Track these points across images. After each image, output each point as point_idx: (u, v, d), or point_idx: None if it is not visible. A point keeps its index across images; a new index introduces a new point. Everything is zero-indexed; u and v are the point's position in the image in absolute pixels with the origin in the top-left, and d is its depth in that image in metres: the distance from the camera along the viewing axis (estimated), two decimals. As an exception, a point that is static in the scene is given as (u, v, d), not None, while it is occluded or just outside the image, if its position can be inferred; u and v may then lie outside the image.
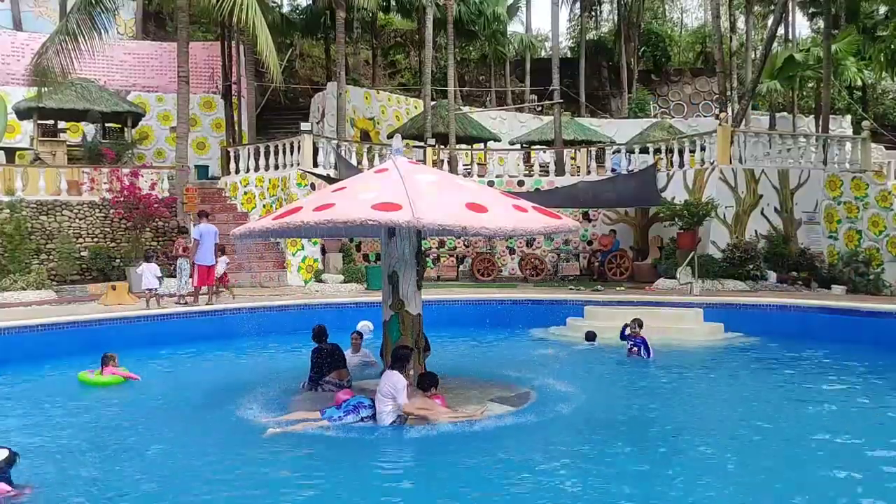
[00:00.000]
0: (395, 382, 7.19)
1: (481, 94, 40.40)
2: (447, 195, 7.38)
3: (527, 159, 23.83)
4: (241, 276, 18.38)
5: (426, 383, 7.60)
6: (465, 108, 32.33)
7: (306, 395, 8.62)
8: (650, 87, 41.37)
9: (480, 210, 7.12)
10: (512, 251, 21.71)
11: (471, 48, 41.16)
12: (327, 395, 8.37)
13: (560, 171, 22.66)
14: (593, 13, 46.19)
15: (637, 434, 7.18)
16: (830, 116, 26.42)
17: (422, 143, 24.21)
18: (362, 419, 7.31)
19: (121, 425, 7.72)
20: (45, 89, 18.75)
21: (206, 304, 14.29)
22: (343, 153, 20.19)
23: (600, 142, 26.83)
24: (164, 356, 11.79)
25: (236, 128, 27.35)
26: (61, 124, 24.20)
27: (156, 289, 14.02)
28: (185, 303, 14.45)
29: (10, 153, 22.51)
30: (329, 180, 17.47)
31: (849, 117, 36.08)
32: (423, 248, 8.59)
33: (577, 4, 42.88)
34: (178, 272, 14.91)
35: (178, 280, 14.96)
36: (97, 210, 18.29)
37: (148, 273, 13.96)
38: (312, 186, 18.80)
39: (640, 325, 10.97)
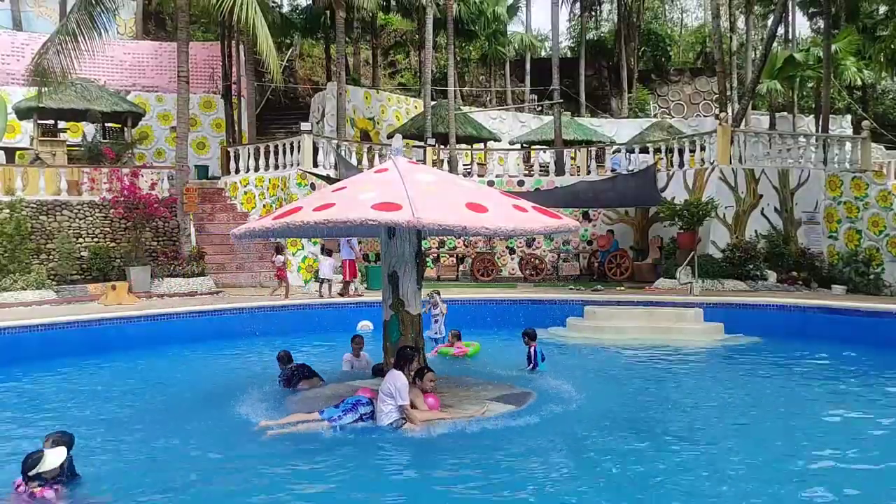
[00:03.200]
0: (394, 381, 7.18)
1: (481, 94, 40.43)
2: (447, 195, 7.38)
3: (527, 159, 23.83)
4: (242, 276, 18.40)
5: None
6: (465, 108, 32.33)
7: (306, 395, 8.61)
8: (650, 87, 41.39)
9: (480, 210, 7.12)
10: (512, 251, 21.70)
11: (471, 48, 41.18)
12: (327, 395, 8.37)
13: (560, 171, 22.66)
14: (593, 13, 46.22)
15: (637, 434, 7.17)
16: (830, 116, 26.45)
17: (422, 143, 24.21)
18: (361, 417, 7.30)
19: (119, 424, 7.71)
20: (45, 89, 18.69)
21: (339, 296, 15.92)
22: (343, 153, 20.19)
23: (600, 142, 26.84)
24: (164, 356, 11.79)
25: (236, 128, 27.35)
26: (61, 124, 24.18)
27: (331, 280, 15.92)
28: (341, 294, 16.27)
29: (10, 153, 22.50)
30: (329, 180, 17.46)
31: (849, 117, 36.09)
32: (423, 248, 8.58)
33: (577, 4, 42.92)
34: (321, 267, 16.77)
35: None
36: (97, 210, 18.28)
37: (325, 265, 15.98)
38: (312, 186, 18.80)
39: (533, 337, 10.45)
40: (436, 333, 12.29)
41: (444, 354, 11.41)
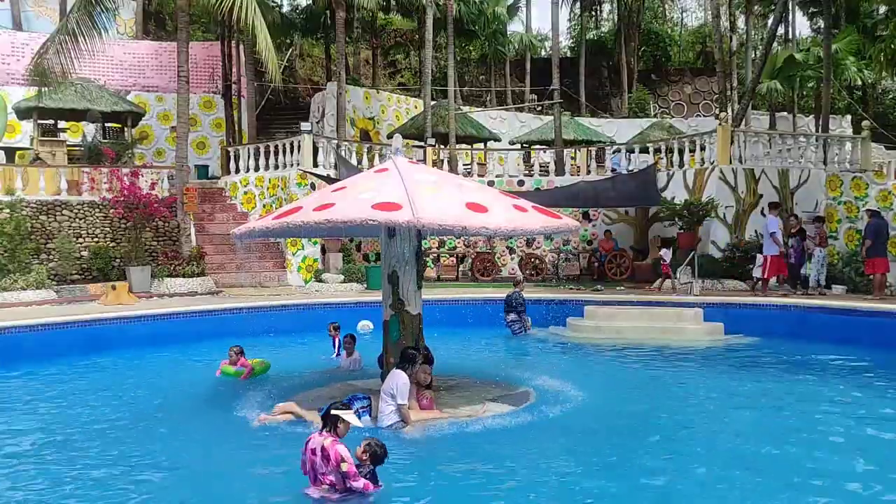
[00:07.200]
0: (396, 380, 7.17)
1: (481, 94, 40.41)
2: (447, 195, 7.39)
3: (527, 159, 23.81)
4: (242, 276, 18.40)
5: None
6: (465, 108, 32.32)
7: (305, 396, 8.60)
8: (650, 86, 41.35)
9: (480, 210, 7.12)
10: (512, 251, 21.70)
11: (471, 48, 41.16)
12: (327, 395, 8.37)
13: (560, 171, 22.66)
14: (593, 13, 46.19)
15: (636, 433, 7.17)
16: (830, 116, 26.42)
17: (422, 143, 24.20)
18: (358, 410, 7.27)
19: (120, 424, 7.71)
20: (45, 89, 18.71)
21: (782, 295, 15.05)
22: (343, 153, 20.19)
23: (600, 142, 26.83)
24: (164, 356, 11.80)
25: (236, 128, 27.35)
26: (61, 124, 24.19)
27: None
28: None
29: (10, 153, 22.50)
30: (329, 180, 17.46)
31: (849, 117, 36.07)
32: (423, 248, 8.58)
33: (577, 4, 42.88)
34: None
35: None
36: (97, 210, 18.27)
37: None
38: (312, 186, 18.80)
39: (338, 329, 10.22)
40: None
41: (227, 374, 9.85)
